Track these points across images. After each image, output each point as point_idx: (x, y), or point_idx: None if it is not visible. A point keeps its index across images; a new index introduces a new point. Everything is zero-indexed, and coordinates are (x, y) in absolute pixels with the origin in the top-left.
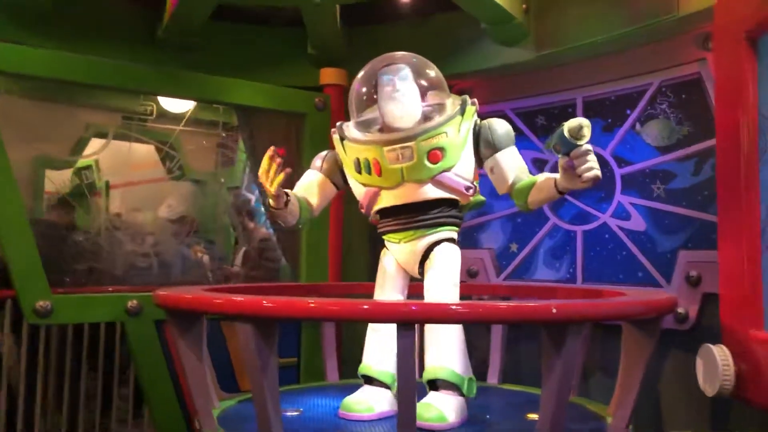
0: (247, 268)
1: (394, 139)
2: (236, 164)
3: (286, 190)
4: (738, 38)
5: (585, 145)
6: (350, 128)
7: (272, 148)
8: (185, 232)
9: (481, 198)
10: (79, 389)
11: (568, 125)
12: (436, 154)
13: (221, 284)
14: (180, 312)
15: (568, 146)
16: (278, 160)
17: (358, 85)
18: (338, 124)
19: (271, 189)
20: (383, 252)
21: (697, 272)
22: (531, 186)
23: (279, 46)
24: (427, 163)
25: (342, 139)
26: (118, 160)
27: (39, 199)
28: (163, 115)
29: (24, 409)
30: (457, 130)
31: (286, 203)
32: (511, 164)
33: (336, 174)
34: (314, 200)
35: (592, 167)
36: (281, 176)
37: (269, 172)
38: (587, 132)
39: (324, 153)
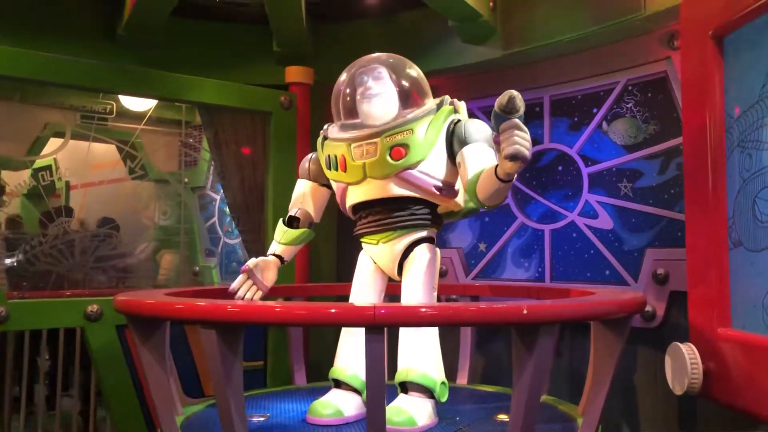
0: None
1: (361, 135)
2: (200, 164)
3: (278, 254)
4: (704, 37)
5: (514, 119)
6: (333, 129)
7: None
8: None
9: (473, 205)
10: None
11: (498, 99)
12: (398, 151)
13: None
14: (141, 318)
15: (500, 121)
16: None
17: (342, 87)
18: (326, 126)
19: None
20: (361, 254)
21: (664, 270)
22: (479, 175)
23: (243, 43)
24: (389, 159)
25: (325, 138)
26: (78, 160)
27: None
28: (124, 114)
29: None
30: (427, 128)
31: (282, 261)
32: (476, 157)
33: (323, 176)
34: (311, 209)
35: (514, 142)
36: (257, 293)
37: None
38: (518, 103)
39: (309, 156)
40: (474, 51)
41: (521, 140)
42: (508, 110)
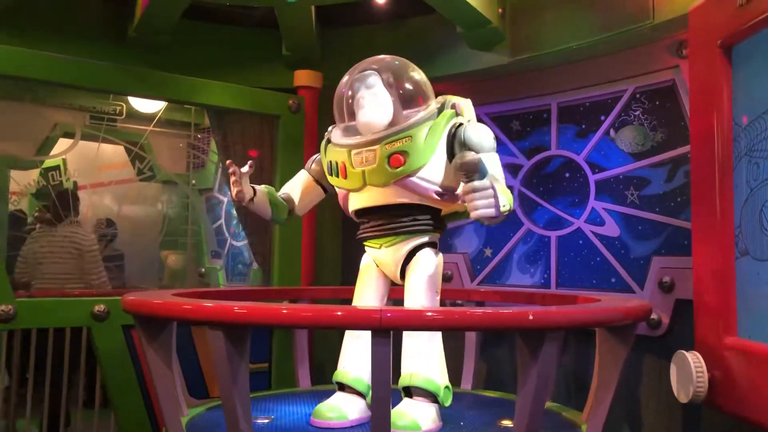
0: None
1: (361, 143)
2: (208, 166)
3: (256, 188)
4: (712, 46)
5: (473, 181)
6: (336, 132)
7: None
8: None
9: None
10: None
11: (453, 161)
12: (397, 158)
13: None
14: (148, 318)
15: (461, 178)
16: (231, 169)
17: (344, 90)
18: (330, 128)
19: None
20: (364, 257)
21: (670, 278)
22: None
23: (253, 46)
24: (387, 167)
25: (329, 141)
26: (86, 160)
27: (3, 200)
28: (133, 116)
29: None
30: (426, 134)
31: (252, 199)
32: None
33: (324, 177)
34: (297, 198)
35: (475, 207)
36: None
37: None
38: (473, 167)
39: (314, 157)
40: (482, 57)
41: (482, 202)
42: (467, 173)
